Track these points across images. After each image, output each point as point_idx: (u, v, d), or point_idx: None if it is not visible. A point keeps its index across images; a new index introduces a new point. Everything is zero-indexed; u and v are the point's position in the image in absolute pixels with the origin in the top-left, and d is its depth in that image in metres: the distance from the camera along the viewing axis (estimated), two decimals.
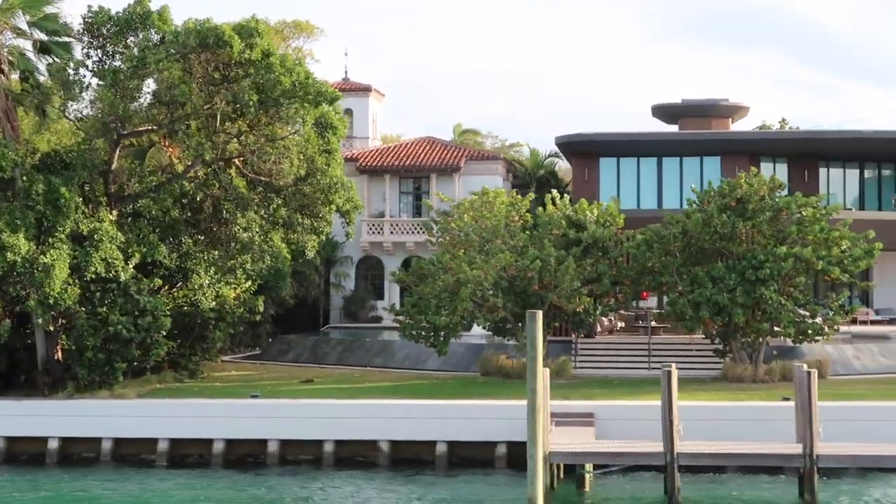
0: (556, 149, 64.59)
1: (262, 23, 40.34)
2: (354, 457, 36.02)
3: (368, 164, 64.03)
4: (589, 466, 31.87)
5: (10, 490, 33.19)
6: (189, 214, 43.81)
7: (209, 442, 36.31)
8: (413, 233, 63.23)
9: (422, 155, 65.00)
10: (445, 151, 65.47)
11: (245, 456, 36.39)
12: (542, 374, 28.11)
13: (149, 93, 41.14)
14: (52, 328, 39.91)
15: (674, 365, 31.11)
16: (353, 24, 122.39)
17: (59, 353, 40.72)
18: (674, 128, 65.22)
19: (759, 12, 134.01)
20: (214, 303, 44.31)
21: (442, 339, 41.89)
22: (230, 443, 36.31)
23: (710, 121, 63.72)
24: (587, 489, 31.76)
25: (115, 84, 39.20)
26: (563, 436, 32.03)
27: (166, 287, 43.68)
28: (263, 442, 36.17)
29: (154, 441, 36.49)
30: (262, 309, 47.17)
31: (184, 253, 43.34)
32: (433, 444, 35.55)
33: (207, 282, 43.45)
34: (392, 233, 63.56)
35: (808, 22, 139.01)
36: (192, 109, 39.85)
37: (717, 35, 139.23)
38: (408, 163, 64.13)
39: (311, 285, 60.74)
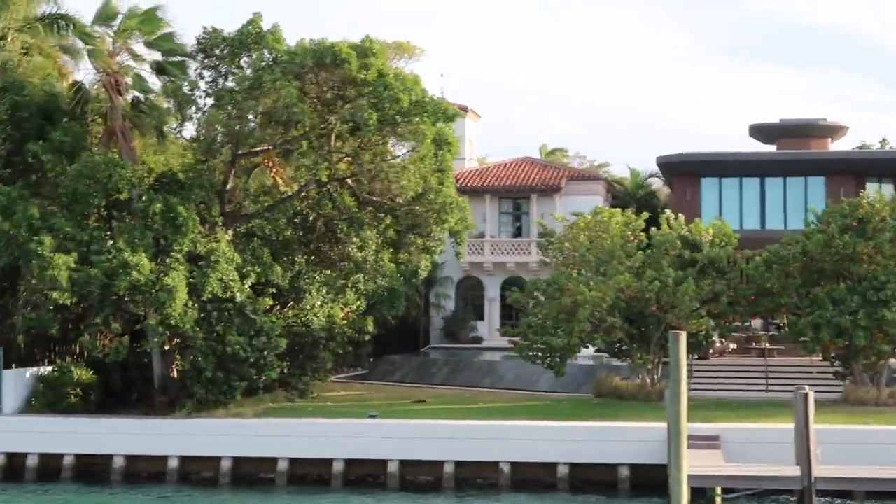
0: (655, 168, 64.17)
1: (376, 42, 40.31)
2: (475, 478, 35.64)
3: (468, 184, 63.77)
4: (718, 489, 31.33)
5: None
6: (301, 234, 43.81)
7: (329, 462, 36.13)
8: (513, 253, 62.97)
9: (522, 175, 64.72)
10: (545, 171, 65.13)
11: (365, 476, 36.12)
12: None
13: (261, 112, 41.06)
14: (167, 347, 40.07)
15: (808, 387, 30.49)
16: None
17: (175, 372, 40.85)
18: (771, 148, 64.47)
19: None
20: (324, 322, 44.23)
21: (559, 360, 41.53)
22: (350, 462, 36.12)
23: (809, 141, 62.84)
24: None
25: (232, 104, 39.38)
26: (693, 458, 31.42)
27: (277, 307, 43.65)
28: (383, 462, 35.90)
29: (274, 460, 36.36)
30: (371, 329, 46.99)
31: (296, 273, 43.27)
32: (554, 465, 35.15)
33: (320, 302, 43.30)
34: (492, 253, 63.21)
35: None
36: (306, 129, 39.87)
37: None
38: (508, 183, 63.89)
39: (411, 305, 60.52)
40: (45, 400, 39.73)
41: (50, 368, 41.18)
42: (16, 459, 37.60)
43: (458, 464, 35.57)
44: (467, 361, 52.96)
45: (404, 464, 35.83)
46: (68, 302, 37.27)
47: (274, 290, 42.86)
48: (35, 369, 41.16)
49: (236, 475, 36.49)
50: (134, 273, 36.86)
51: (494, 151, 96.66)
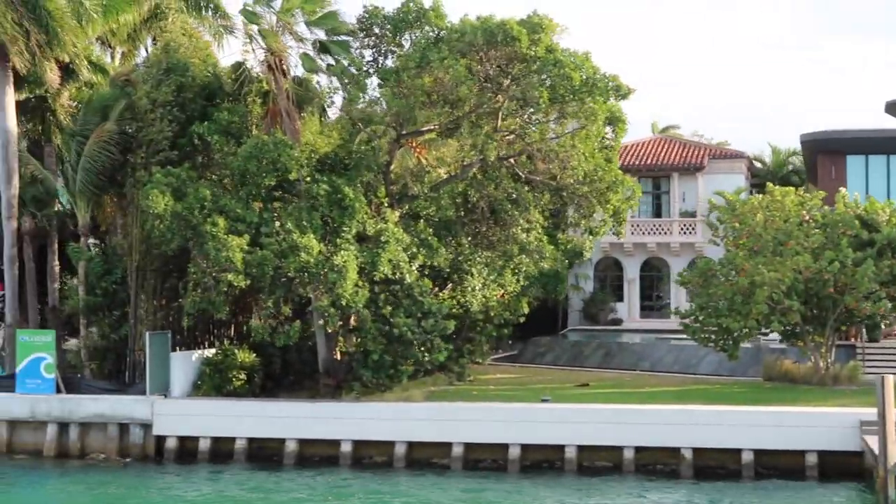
0: (797, 147, 62.85)
1: (546, 18, 39.35)
2: (655, 464, 34.87)
3: None
4: None
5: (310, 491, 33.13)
6: (463, 214, 43.08)
7: (504, 447, 35.53)
8: (654, 233, 61.76)
9: (662, 154, 63.41)
10: (686, 150, 63.78)
11: (541, 461, 35.50)
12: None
13: (425, 92, 40.19)
14: (330, 331, 39.54)
15: None
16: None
17: (338, 355, 40.38)
18: None
19: None
20: (481, 304, 43.43)
21: (731, 343, 40.49)
22: (526, 448, 35.46)
23: None
24: None
25: (398, 83, 38.74)
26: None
27: (436, 288, 42.93)
28: (560, 447, 35.21)
29: (448, 445, 35.83)
30: (526, 311, 46.11)
31: (458, 254, 42.49)
32: (738, 452, 34.22)
33: (481, 283, 42.42)
34: (633, 233, 61.87)
35: None
36: (471, 107, 39.10)
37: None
38: (649, 162, 62.63)
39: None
40: (212, 383, 39.44)
41: (213, 351, 40.94)
42: (188, 442, 37.56)
43: (638, 449, 34.79)
44: (620, 344, 52.09)
45: (581, 449, 35.15)
46: (242, 284, 36.85)
47: (431, 272, 42.24)
48: (200, 352, 40.94)
49: (410, 460, 36.04)
50: (303, 255, 36.41)
51: None
